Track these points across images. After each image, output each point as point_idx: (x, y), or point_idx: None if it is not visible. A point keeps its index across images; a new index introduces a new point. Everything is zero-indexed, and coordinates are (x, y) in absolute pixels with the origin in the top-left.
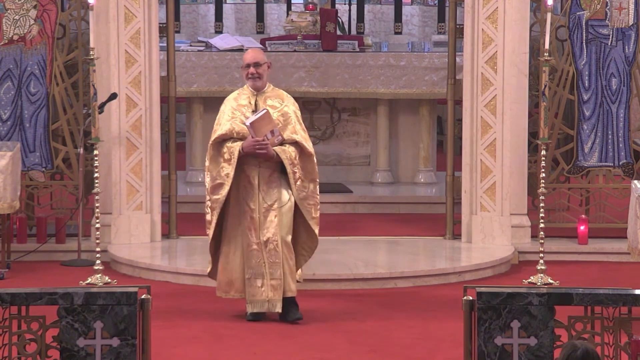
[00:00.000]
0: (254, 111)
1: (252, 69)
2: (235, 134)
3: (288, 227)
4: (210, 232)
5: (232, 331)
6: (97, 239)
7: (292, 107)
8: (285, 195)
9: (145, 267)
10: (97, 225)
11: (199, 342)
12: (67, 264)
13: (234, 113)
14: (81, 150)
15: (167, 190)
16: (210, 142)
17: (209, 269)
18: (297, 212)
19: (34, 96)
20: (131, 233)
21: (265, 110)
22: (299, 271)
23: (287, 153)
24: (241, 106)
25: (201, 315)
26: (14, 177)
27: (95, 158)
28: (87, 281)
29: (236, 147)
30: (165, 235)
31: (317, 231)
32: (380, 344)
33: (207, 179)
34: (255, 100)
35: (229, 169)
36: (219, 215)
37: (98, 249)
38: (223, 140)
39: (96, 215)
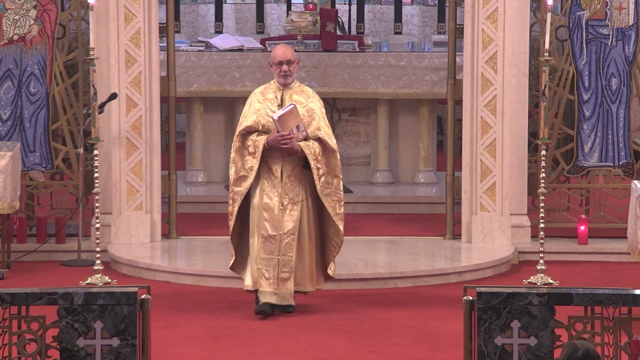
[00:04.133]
0: (280, 105)
1: (285, 67)
2: (260, 127)
3: (310, 222)
4: (231, 223)
5: (232, 331)
6: (97, 239)
7: (317, 104)
8: (307, 190)
9: (145, 267)
10: (97, 225)
11: (199, 342)
12: (67, 264)
13: (260, 106)
14: (81, 150)
15: (167, 190)
16: (236, 134)
17: (231, 262)
18: (324, 208)
19: (34, 96)
20: (131, 233)
21: (292, 105)
22: (332, 265)
23: (311, 148)
24: (267, 100)
25: (201, 315)
26: (14, 177)
27: (95, 158)
28: (87, 281)
29: (261, 140)
30: (165, 235)
31: (341, 227)
32: (380, 344)
33: (232, 171)
34: (282, 95)
35: (253, 162)
36: (243, 208)
37: (98, 249)
38: (248, 132)
39: (96, 215)
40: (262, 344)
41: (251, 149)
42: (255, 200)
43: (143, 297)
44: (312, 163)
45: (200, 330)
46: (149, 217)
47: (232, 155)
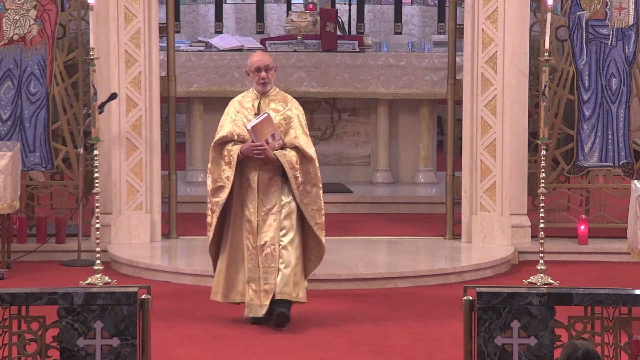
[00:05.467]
0: (257, 114)
1: (263, 74)
2: (236, 137)
3: (289, 231)
4: (210, 234)
5: (232, 331)
6: (97, 239)
7: (295, 111)
8: (285, 199)
9: (145, 267)
10: (97, 225)
11: (199, 342)
12: (67, 264)
13: (236, 115)
14: (81, 150)
15: (167, 190)
16: (212, 144)
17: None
18: (304, 217)
19: (34, 96)
20: (131, 233)
21: (266, 114)
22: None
23: (288, 157)
24: (244, 109)
25: (201, 315)
26: (14, 177)
27: (95, 158)
28: (87, 281)
29: (235, 150)
30: (165, 235)
31: (322, 237)
32: (380, 344)
33: (209, 181)
34: (259, 103)
35: (229, 172)
36: (220, 217)
37: (98, 249)
38: (225, 142)
39: (96, 215)
40: (262, 344)
41: (227, 159)
42: (236, 212)
43: (143, 297)
44: (290, 172)
45: (200, 330)
46: (149, 217)
47: (209, 166)
